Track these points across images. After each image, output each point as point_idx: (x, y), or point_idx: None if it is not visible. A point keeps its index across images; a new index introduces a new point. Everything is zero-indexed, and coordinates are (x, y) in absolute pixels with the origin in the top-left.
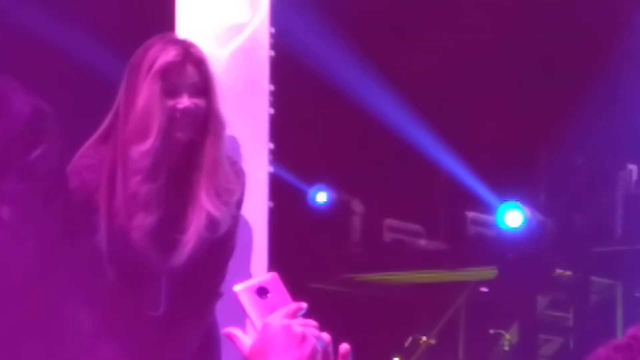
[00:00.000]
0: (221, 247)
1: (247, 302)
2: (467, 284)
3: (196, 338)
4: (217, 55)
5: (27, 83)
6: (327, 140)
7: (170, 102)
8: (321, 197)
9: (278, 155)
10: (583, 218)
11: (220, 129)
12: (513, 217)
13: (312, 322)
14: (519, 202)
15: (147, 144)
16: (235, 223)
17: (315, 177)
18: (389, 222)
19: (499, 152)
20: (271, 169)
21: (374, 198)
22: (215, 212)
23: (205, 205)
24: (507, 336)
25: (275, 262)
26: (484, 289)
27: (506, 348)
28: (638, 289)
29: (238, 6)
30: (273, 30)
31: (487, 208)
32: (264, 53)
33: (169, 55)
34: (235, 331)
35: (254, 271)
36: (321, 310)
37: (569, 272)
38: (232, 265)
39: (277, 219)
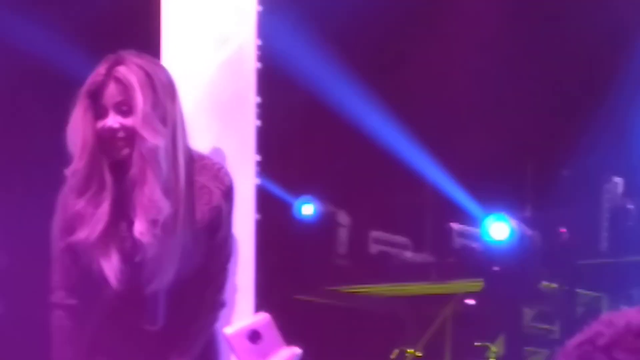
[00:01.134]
0: (212, 257)
1: (239, 347)
2: (453, 296)
3: (196, 350)
4: (204, 67)
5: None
6: (313, 152)
7: (100, 122)
8: (307, 209)
9: (265, 168)
10: (569, 230)
11: (143, 148)
12: (499, 229)
13: None
14: (504, 215)
15: (75, 164)
16: (170, 242)
17: (302, 190)
18: (375, 234)
19: (485, 164)
20: (258, 181)
21: (360, 210)
22: (139, 236)
23: (134, 228)
24: (493, 348)
25: (262, 274)
26: (470, 301)
27: None
28: (623, 301)
29: (225, 18)
30: (260, 42)
31: (473, 220)
32: (251, 65)
33: (95, 74)
34: None
35: (240, 283)
36: (308, 323)
37: (555, 285)
38: None
39: (264, 231)
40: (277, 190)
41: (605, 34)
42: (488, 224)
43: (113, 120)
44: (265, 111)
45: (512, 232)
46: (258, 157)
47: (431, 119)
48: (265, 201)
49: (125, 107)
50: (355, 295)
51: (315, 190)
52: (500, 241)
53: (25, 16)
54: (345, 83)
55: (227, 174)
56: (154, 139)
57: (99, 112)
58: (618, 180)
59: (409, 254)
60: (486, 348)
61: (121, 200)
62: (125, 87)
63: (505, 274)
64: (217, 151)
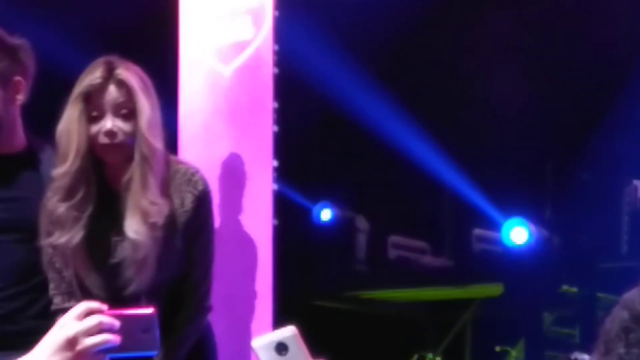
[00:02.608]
0: (194, 264)
1: (266, 359)
2: (473, 301)
3: (181, 353)
4: (221, 72)
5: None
6: (331, 157)
7: (96, 127)
8: (326, 214)
9: (282, 173)
10: (589, 234)
11: (147, 152)
12: (518, 233)
13: None
14: (524, 219)
15: (65, 166)
16: (164, 243)
17: (320, 195)
18: (394, 239)
19: (504, 168)
20: (275, 186)
21: (379, 215)
22: (134, 236)
23: (126, 228)
24: (514, 353)
25: (281, 280)
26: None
27: None
28: None
29: (241, 24)
30: (277, 47)
31: (492, 224)
32: (268, 70)
33: (92, 77)
34: None
35: (259, 289)
36: (326, 328)
37: (575, 289)
38: (238, 282)
39: (282, 236)
40: (295, 195)
41: (625, 37)
42: (508, 228)
43: (112, 124)
44: (283, 116)
45: (532, 236)
46: (275, 163)
47: (449, 123)
48: (283, 207)
49: (125, 111)
50: (374, 300)
51: (334, 196)
52: (519, 245)
53: (37, 20)
54: (363, 88)
55: (201, 179)
56: (157, 143)
57: (93, 115)
58: (638, 183)
59: (428, 259)
60: (506, 353)
61: (106, 204)
62: (128, 90)
63: (525, 278)
64: (234, 157)
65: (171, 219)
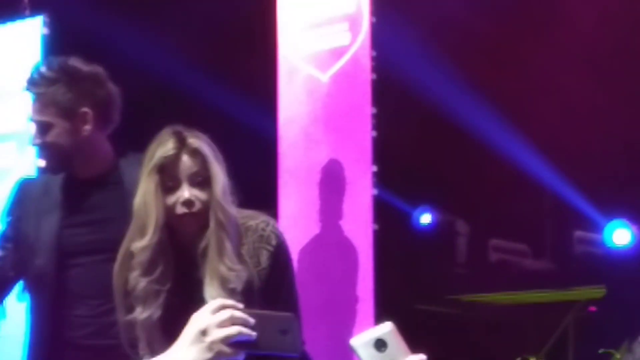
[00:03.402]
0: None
1: (365, 356)
2: (575, 304)
3: None
4: (319, 79)
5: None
6: (430, 161)
7: (172, 197)
8: (425, 218)
9: (382, 178)
10: None
11: (222, 218)
12: (621, 235)
13: None
14: (626, 221)
15: (145, 240)
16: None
17: (419, 199)
18: (494, 242)
19: (606, 169)
20: (375, 191)
21: (479, 218)
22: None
23: (205, 295)
24: (617, 355)
25: (382, 284)
26: (593, 308)
27: None
28: None
29: (338, 30)
30: (374, 53)
31: (594, 226)
32: (366, 76)
33: (165, 148)
34: None
35: (360, 293)
36: (428, 332)
37: None
38: (339, 286)
39: (382, 241)
40: (394, 200)
41: None
42: (610, 230)
43: (189, 193)
44: (381, 122)
45: (634, 237)
46: (375, 168)
47: (549, 125)
48: (383, 211)
49: (200, 179)
50: (475, 303)
51: (433, 199)
52: (622, 247)
53: (141, 28)
54: (461, 91)
55: (273, 232)
56: (231, 209)
57: (168, 185)
58: None
59: (529, 262)
60: (610, 355)
61: (184, 274)
62: (202, 158)
63: (627, 280)
64: (333, 162)
65: (249, 283)
